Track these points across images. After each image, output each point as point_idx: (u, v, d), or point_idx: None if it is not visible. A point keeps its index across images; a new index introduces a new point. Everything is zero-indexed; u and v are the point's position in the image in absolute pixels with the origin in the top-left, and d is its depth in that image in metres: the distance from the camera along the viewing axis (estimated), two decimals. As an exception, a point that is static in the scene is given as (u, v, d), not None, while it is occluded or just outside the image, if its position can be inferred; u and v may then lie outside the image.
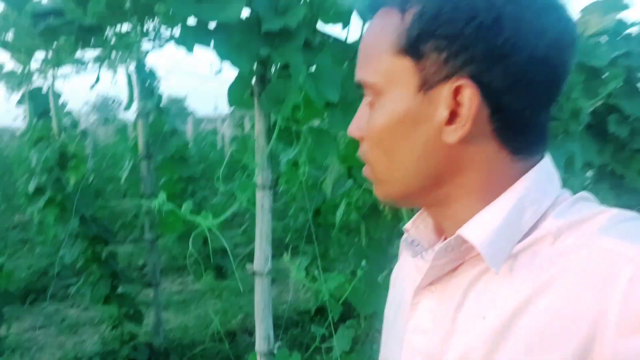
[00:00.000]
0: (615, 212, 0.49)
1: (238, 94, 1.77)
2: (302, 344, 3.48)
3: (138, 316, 3.02)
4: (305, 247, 3.29)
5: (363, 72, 0.55)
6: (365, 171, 0.59)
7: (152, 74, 2.91)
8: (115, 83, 2.89)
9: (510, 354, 0.47)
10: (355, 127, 0.58)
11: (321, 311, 3.97)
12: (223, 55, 1.25)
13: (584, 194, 0.54)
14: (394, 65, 0.51)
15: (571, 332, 0.44)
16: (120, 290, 3.00)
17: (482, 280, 0.51)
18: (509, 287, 0.49)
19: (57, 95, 2.98)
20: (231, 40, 1.26)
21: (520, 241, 0.50)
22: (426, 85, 0.50)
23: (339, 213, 1.75)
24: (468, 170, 0.52)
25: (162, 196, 1.27)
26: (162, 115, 3.03)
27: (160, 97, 2.95)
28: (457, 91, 0.49)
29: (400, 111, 0.52)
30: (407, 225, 0.63)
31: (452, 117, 0.50)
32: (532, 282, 0.47)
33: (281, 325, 3.63)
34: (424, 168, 0.53)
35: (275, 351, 1.59)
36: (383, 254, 1.60)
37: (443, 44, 0.48)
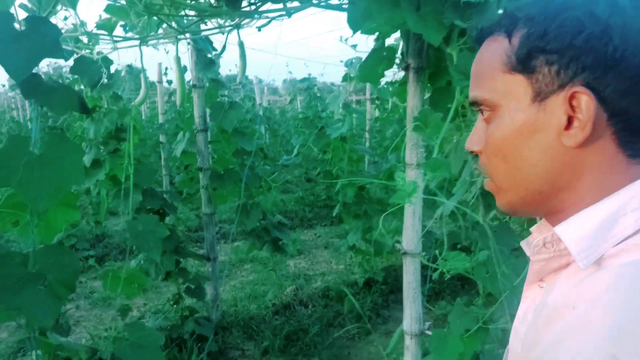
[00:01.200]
0: None
1: (372, 68, 1.70)
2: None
3: (200, 291, 2.99)
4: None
5: (477, 91, 0.60)
6: (487, 184, 0.64)
7: (210, 45, 2.79)
8: (167, 52, 2.75)
9: (590, 345, 0.47)
10: (474, 142, 0.63)
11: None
12: (415, 27, 1.15)
13: None
14: (508, 82, 0.57)
15: (631, 335, 0.44)
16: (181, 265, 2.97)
17: (576, 278, 0.53)
18: (593, 284, 0.50)
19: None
20: (420, 12, 1.17)
21: (618, 244, 0.51)
22: (540, 96, 0.55)
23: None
24: (585, 174, 0.55)
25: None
26: (219, 87, 2.92)
27: (218, 67, 2.83)
28: (572, 97, 0.52)
29: (518, 121, 0.56)
30: (533, 228, 0.67)
31: (570, 122, 0.53)
32: (606, 283, 0.49)
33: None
34: (544, 172, 0.56)
35: (427, 331, 1.55)
36: (509, 233, 1.51)
37: (553, 58, 0.53)
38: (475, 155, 0.65)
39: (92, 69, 2.28)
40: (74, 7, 1.54)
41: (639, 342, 0.44)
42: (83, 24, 1.59)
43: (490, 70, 0.58)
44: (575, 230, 0.54)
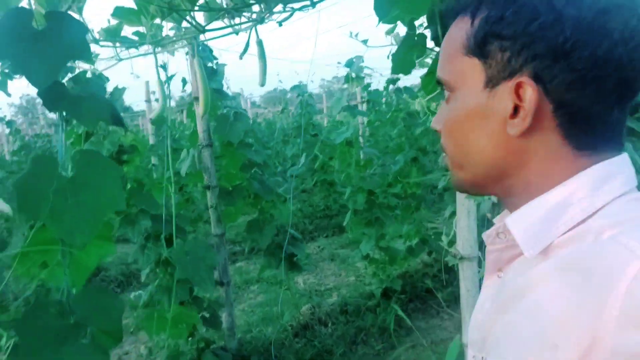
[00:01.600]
0: None
1: (405, 57, 1.57)
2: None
3: (216, 320, 2.77)
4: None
5: (440, 71, 0.61)
6: (444, 160, 0.67)
7: (210, 53, 2.61)
8: (163, 66, 2.56)
9: (536, 328, 0.49)
10: (436, 121, 0.64)
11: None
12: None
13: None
14: (464, 65, 0.57)
15: (574, 321, 0.45)
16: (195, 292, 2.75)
17: (524, 267, 0.55)
18: (541, 272, 0.51)
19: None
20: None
21: (564, 234, 0.52)
22: (492, 82, 0.55)
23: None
24: (531, 163, 0.55)
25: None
26: (223, 99, 2.74)
27: (222, 78, 2.66)
28: (518, 87, 0.52)
29: (469, 106, 0.57)
30: (495, 219, 0.68)
31: (516, 111, 0.53)
32: (554, 269, 0.50)
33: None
34: (490, 158, 0.57)
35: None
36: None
37: (507, 44, 0.52)
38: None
39: (91, 86, 2.09)
40: (79, 11, 1.35)
41: (574, 331, 0.45)
42: (89, 31, 1.40)
43: (452, 51, 0.58)
44: (523, 220, 0.55)
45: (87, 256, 0.98)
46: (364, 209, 3.57)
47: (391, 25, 2.35)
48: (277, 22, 1.63)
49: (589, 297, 0.45)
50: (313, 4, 1.57)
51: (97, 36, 1.47)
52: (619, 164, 0.54)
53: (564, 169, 0.54)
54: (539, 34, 0.50)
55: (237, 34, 1.75)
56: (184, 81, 2.75)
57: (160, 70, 1.78)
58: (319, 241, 5.93)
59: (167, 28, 1.50)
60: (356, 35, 2.54)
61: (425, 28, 1.66)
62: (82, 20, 0.83)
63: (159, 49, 1.56)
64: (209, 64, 2.60)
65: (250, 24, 1.50)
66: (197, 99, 2.80)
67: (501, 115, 0.55)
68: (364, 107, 6.01)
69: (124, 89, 2.13)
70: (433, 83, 1.79)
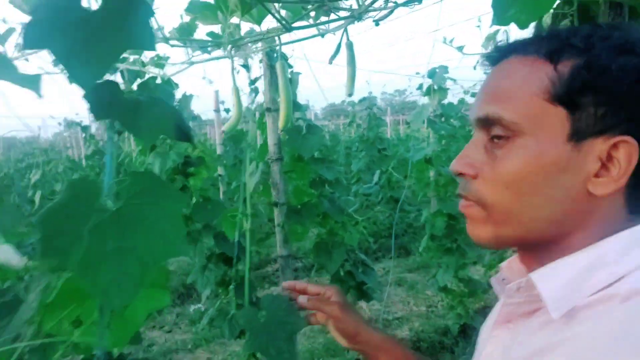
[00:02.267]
0: None
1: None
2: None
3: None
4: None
5: (501, 110, 0.55)
6: (468, 208, 0.59)
7: (286, 61, 2.41)
8: (237, 72, 2.38)
9: None
10: (466, 164, 0.58)
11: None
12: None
13: None
14: (545, 111, 0.53)
15: None
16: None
17: (549, 327, 0.53)
18: (564, 335, 0.50)
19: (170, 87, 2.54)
20: None
21: (590, 296, 0.51)
22: (577, 136, 0.52)
23: None
24: (592, 223, 0.53)
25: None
26: (297, 110, 2.53)
27: (296, 87, 2.45)
28: (615, 146, 0.51)
29: (547, 157, 0.53)
30: (503, 264, 0.68)
31: (603, 169, 0.52)
32: (582, 334, 0.48)
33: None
34: (557, 215, 0.54)
35: None
36: None
37: (603, 99, 0.50)
38: (457, 176, 0.60)
39: (160, 93, 1.92)
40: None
41: None
42: (160, 28, 1.21)
43: (525, 93, 0.54)
44: (552, 279, 0.53)
45: (134, 310, 0.75)
46: (443, 234, 3.22)
47: (493, 30, 2.06)
48: (374, 21, 1.37)
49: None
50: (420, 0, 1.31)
51: (166, 35, 1.28)
52: None
53: (610, 231, 0.53)
54: (632, 96, 0.50)
55: (323, 36, 1.51)
56: (256, 91, 2.56)
57: (242, 72, 1.57)
58: (384, 262, 5.59)
59: (243, 31, 1.29)
60: (451, 41, 2.25)
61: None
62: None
63: (235, 51, 1.35)
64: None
65: (341, 22, 1.26)
66: (269, 109, 2.60)
67: (584, 171, 0.53)
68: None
69: (192, 96, 1.96)
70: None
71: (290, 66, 2.45)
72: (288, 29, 1.15)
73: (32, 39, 0.56)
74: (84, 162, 8.14)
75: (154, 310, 0.80)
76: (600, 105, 0.50)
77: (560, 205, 0.53)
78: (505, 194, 0.55)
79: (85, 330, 0.70)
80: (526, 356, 0.53)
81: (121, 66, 1.82)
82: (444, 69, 3.11)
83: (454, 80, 3.33)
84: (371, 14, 1.39)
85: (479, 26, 2.38)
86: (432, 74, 3.22)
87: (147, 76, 2.07)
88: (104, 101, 0.64)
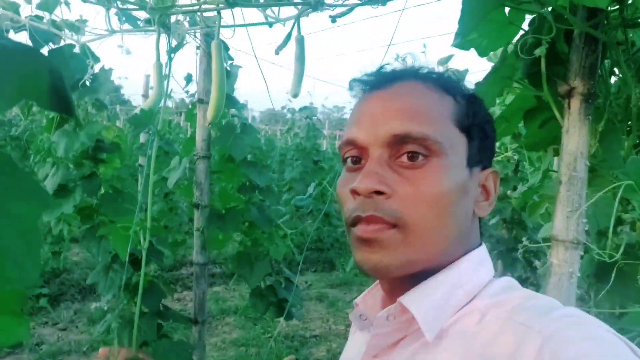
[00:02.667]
0: (529, 293, 0.55)
1: (488, 92, 1.23)
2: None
3: (183, 366, 2.28)
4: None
5: (422, 127, 0.56)
6: (381, 233, 0.55)
7: (226, 52, 2.20)
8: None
9: None
10: (380, 182, 0.56)
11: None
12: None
13: (509, 279, 0.60)
14: (456, 136, 0.58)
15: None
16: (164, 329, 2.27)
17: (420, 354, 0.55)
18: (437, 357, 0.53)
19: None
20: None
21: (453, 315, 0.55)
22: (470, 163, 0.59)
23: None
24: (465, 245, 0.60)
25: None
26: (233, 106, 2.32)
27: (234, 81, 2.24)
28: (494, 175, 0.62)
29: (458, 178, 0.57)
30: (357, 300, 0.69)
31: (481, 194, 0.61)
32: (457, 352, 0.52)
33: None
34: (460, 234, 0.58)
35: None
36: None
37: (482, 135, 0.60)
38: (366, 196, 0.57)
39: (72, 64, 1.65)
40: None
41: None
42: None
43: (443, 115, 0.58)
44: (422, 301, 0.55)
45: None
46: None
47: (448, 53, 1.98)
48: (330, 17, 1.22)
49: None
50: (383, 2, 1.17)
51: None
52: (485, 250, 0.62)
53: (469, 249, 0.60)
54: (494, 138, 0.63)
55: (270, 25, 1.33)
56: (189, 79, 2.33)
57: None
58: (307, 276, 5.45)
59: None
60: (403, 58, 2.14)
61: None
62: None
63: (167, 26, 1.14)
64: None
65: (293, 11, 1.09)
66: (201, 101, 2.37)
67: (473, 195, 0.59)
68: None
69: (111, 70, 1.70)
70: (500, 130, 1.39)
71: (231, 58, 2.25)
72: (230, 3, 0.96)
73: None
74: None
75: (14, 341, 0.58)
76: (480, 140, 0.60)
77: (463, 225, 0.58)
78: (427, 213, 0.55)
79: None
80: None
81: (29, 23, 1.53)
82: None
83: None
84: (329, 12, 1.23)
85: (424, 52, 2.33)
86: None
87: (62, 42, 1.78)
88: None
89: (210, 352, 3.39)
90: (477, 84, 1.25)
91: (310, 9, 1.06)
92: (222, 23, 1.41)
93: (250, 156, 2.49)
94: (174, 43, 1.79)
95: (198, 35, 2.18)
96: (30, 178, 0.47)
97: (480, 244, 0.61)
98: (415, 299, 0.55)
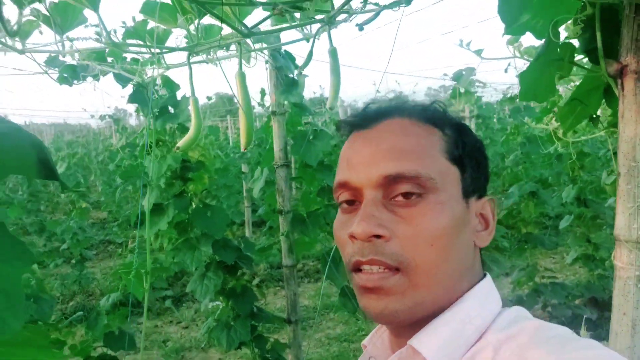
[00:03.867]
0: (541, 324, 0.53)
1: (539, 79, 1.14)
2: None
3: (279, 364, 2.42)
4: None
5: (413, 165, 0.55)
6: (385, 281, 0.54)
7: (293, 62, 2.27)
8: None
9: None
10: (378, 225, 0.54)
11: None
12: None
13: (519, 308, 0.58)
14: (448, 170, 0.57)
15: None
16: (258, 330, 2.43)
17: None
18: None
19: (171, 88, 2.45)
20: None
21: (466, 352, 0.53)
22: (465, 194, 0.58)
23: None
24: (469, 278, 0.58)
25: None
26: (302, 113, 2.39)
27: (302, 90, 2.31)
28: (486, 204, 0.61)
29: (457, 211, 0.56)
30: (365, 342, 0.68)
31: (479, 224, 0.60)
32: None
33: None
34: (464, 269, 0.57)
35: None
36: None
37: (475, 165, 0.60)
38: (365, 240, 0.56)
39: (151, 96, 1.83)
40: (94, 6, 1.05)
41: None
42: (106, 31, 1.10)
43: (433, 151, 0.57)
44: (431, 341, 0.54)
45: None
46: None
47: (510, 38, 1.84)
48: (357, 25, 1.21)
49: None
50: (407, 1, 1.14)
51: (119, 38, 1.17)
52: (490, 280, 0.61)
53: (473, 283, 0.58)
54: (486, 166, 0.63)
55: (307, 40, 1.36)
56: (263, 92, 2.44)
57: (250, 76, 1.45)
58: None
59: (202, 29, 1.16)
60: (467, 44, 2.04)
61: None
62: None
63: (198, 56, 1.23)
64: (289, 75, 2.26)
65: (312, 23, 1.11)
66: (274, 113, 2.48)
67: (473, 226, 0.59)
68: (472, 123, 5.37)
69: (187, 98, 1.86)
70: (575, 114, 1.27)
71: (296, 67, 2.31)
72: (244, 34, 1.01)
73: None
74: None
75: None
76: (473, 169, 0.59)
77: (465, 258, 0.57)
78: (429, 252, 0.54)
79: None
80: None
81: (110, 69, 1.74)
82: (471, 71, 2.88)
83: (483, 84, 3.08)
84: (356, 18, 1.23)
85: (460, 44, 2.18)
86: (457, 76, 2.99)
87: (147, 77, 1.99)
88: None
89: (314, 348, 3.53)
90: (521, 74, 1.16)
91: (328, 25, 1.07)
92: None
93: (326, 160, 2.54)
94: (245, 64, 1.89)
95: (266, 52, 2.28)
96: (15, 240, 0.56)
97: (484, 275, 0.60)
98: (425, 340, 0.54)
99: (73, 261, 4.94)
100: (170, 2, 1.12)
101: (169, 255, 2.34)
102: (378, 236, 0.54)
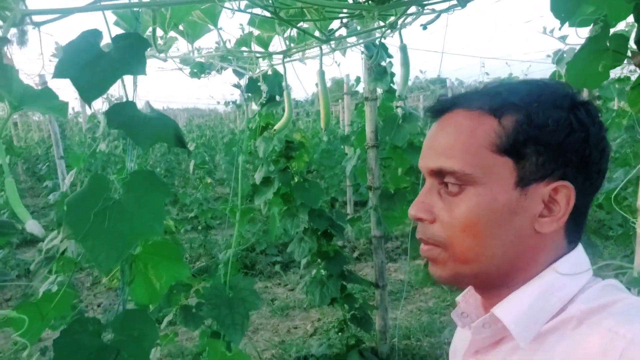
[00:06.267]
0: (635, 299, 0.56)
1: (587, 67, 1.23)
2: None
3: (367, 321, 2.74)
4: None
5: (453, 163, 0.60)
6: (429, 252, 0.64)
7: (385, 51, 2.51)
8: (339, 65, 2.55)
9: None
10: (424, 210, 0.63)
11: None
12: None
13: (612, 280, 0.61)
14: (494, 162, 0.59)
15: None
16: (348, 290, 2.76)
17: (517, 354, 0.60)
18: (534, 359, 0.57)
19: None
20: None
21: (549, 321, 0.58)
22: (523, 182, 0.59)
23: None
24: (540, 257, 0.61)
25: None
26: (392, 98, 2.63)
27: (392, 76, 2.55)
28: (556, 189, 0.59)
29: (499, 202, 0.59)
30: (459, 298, 0.73)
31: (546, 210, 0.59)
32: (551, 355, 0.56)
33: None
34: (511, 252, 0.60)
35: None
36: None
37: (543, 149, 0.58)
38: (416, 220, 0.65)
39: (262, 86, 2.22)
40: (214, 23, 1.42)
41: None
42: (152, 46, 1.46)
43: (474, 146, 0.59)
44: (513, 311, 0.59)
45: (159, 278, 1.02)
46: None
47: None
48: (421, 25, 1.44)
49: None
50: (463, 3, 1.35)
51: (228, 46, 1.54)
52: (582, 252, 0.63)
53: (553, 259, 0.60)
54: (574, 146, 0.58)
55: (384, 37, 1.62)
56: (358, 80, 2.72)
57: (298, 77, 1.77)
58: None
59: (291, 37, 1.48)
60: (551, 31, 2.12)
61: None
62: (148, 39, 0.84)
63: (290, 57, 1.55)
64: (382, 63, 2.51)
65: (387, 29, 1.37)
66: (366, 98, 2.75)
67: (531, 213, 0.59)
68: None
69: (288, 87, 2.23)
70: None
71: (391, 56, 2.54)
72: (324, 40, 1.30)
73: (58, 71, 0.83)
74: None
75: (176, 280, 1.06)
76: (540, 154, 0.57)
77: (512, 244, 0.59)
78: (462, 236, 0.60)
79: (132, 289, 0.99)
80: None
81: (230, 67, 2.15)
82: (573, 50, 2.85)
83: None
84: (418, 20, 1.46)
85: (544, 31, 2.21)
86: (559, 59, 2.98)
87: (257, 72, 2.38)
88: (116, 116, 0.90)
89: (405, 317, 3.79)
90: (568, 64, 1.28)
91: (389, 29, 1.32)
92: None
93: (415, 141, 2.76)
94: (340, 55, 2.21)
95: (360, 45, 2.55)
96: (160, 180, 0.91)
97: (571, 250, 0.62)
98: (506, 309, 0.59)
99: (199, 228, 5.72)
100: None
101: (278, 222, 2.75)
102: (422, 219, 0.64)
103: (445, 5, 1.36)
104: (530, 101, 0.58)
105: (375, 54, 1.38)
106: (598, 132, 0.59)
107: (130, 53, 0.83)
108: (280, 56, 1.73)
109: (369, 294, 4.04)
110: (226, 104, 6.82)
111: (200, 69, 2.42)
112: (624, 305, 0.54)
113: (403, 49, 1.54)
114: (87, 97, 0.82)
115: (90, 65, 0.82)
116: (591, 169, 0.59)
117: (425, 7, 1.36)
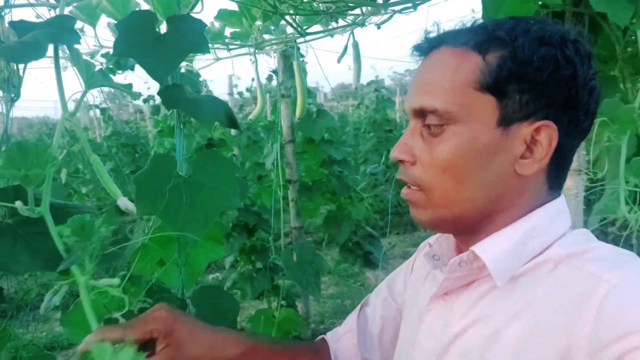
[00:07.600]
0: (611, 247, 0.57)
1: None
2: None
3: (293, 309, 2.85)
4: None
5: (435, 101, 0.58)
6: (410, 194, 0.62)
7: (297, 51, 2.66)
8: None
9: (499, 355, 0.55)
10: (405, 151, 0.61)
11: None
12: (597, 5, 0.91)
13: (586, 231, 0.61)
14: (476, 100, 0.56)
15: (551, 341, 0.51)
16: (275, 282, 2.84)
17: (490, 296, 0.59)
18: (508, 300, 0.57)
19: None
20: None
21: (525, 264, 0.58)
22: (505, 121, 0.56)
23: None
24: (521, 200, 0.59)
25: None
26: (308, 96, 2.79)
27: (306, 75, 2.70)
28: (538, 129, 0.56)
29: (479, 142, 0.56)
30: (431, 241, 0.74)
31: (528, 151, 0.57)
32: (527, 297, 0.55)
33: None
34: (491, 195, 0.58)
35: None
36: None
37: (527, 87, 0.55)
38: (398, 162, 0.63)
39: (192, 82, 2.21)
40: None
41: (536, 349, 0.52)
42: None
43: (457, 83, 0.57)
44: (493, 251, 0.58)
45: (197, 258, 1.04)
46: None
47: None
48: (376, 25, 1.63)
49: (563, 318, 0.51)
50: (415, 6, 1.56)
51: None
52: (564, 202, 0.62)
53: (535, 205, 0.59)
54: (560, 84, 0.55)
55: (332, 36, 1.78)
56: (270, 78, 2.83)
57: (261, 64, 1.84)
58: (390, 237, 5.90)
59: (263, 30, 1.56)
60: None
61: None
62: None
63: (259, 50, 1.62)
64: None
65: (349, 26, 1.52)
66: (283, 96, 2.87)
67: (512, 154, 0.57)
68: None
69: (205, 81, 2.25)
70: None
71: (302, 55, 2.70)
72: (302, 34, 1.41)
73: (119, 50, 0.83)
74: (98, 140, 8.45)
75: (212, 260, 1.08)
76: (524, 92, 0.55)
77: (492, 186, 0.57)
78: (442, 178, 0.58)
79: (165, 270, 0.99)
80: (469, 324, 0.59)
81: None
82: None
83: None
84: (373, 19, 1.65)
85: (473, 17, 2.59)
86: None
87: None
88: (172, 97, 0.92)
89: (312, 307, 3.99)
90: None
91: (358, 26, 1.48)
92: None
93: (327, 135, 2.96)
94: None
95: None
96: (225, 158, 0.95)
97: (553, 197, 0.61)
98: (487, 248, 0.58)
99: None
100: (238, 10, 1.51)
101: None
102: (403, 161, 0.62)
103: (401, 6, 1.57)
104: (517, 36, 0.55)
105: (343, 50, 1.52)
106: (587, 71, 0.56)
107: (192, 33, 0.87)
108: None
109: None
110: (89, 107, 6.29)
111: (116, 65, 2.31)
112: (604, 251, 0.55)
113: (355, 46, 1.72)
114: (156, 74, 0.84)
115: (151, 44, 0.84)
116: (578, 110, 0.56)
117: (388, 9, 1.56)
